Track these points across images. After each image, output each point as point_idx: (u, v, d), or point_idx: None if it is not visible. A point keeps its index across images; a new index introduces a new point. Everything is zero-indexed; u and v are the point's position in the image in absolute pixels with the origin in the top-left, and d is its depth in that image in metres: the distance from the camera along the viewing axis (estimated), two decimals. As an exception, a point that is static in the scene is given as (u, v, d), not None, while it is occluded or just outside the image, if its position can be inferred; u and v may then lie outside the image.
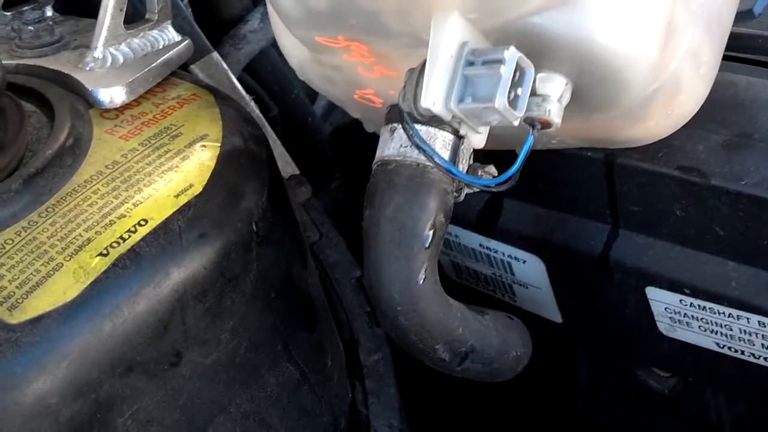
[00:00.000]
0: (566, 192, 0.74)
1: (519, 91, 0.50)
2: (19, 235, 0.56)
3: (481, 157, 0.57)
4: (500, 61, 0.49)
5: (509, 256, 0.82)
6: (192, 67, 0.82)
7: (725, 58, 0.70)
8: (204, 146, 0.64)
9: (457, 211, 0.59)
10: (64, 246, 0.55)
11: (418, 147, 0.53)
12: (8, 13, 0.79)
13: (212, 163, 0.63)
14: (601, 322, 0.80)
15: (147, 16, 0.74)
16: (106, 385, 0.54)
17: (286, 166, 0.83)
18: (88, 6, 0.75)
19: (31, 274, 0.54)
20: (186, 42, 0.73)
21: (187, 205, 0.59)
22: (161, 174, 0.61)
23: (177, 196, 0.60)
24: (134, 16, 0.74)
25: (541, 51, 0.52)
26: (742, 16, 0.77)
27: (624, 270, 0.73)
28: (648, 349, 0.78)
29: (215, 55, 0.85)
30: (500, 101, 0.49)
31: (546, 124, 0.54)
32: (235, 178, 0.63)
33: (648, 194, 0.68)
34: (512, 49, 0.49)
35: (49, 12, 0.78)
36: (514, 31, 0.51)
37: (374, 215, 0.57)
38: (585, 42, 0.51)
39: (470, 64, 0.50)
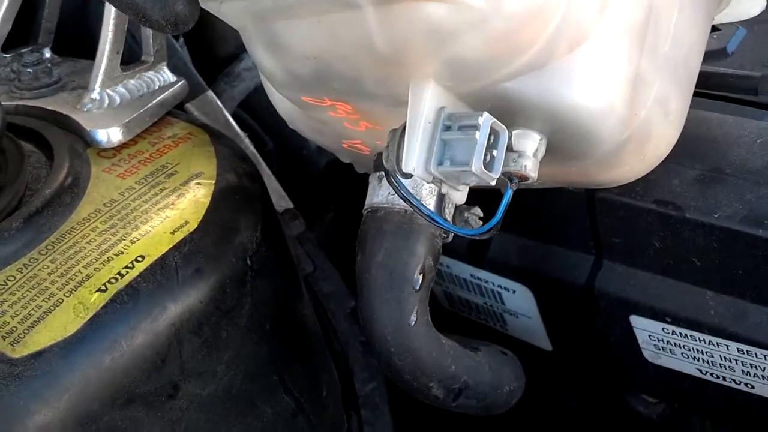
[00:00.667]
0: (551, 224, 0.76)
1: (494, 152, 0.52)
2: (20, 272, 0.58)
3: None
4: (475, 127, 0.50)
5: (499, 286, 0.83)
6: (188, 105, 0.84)
7: (699, 95, 0.73)
8: (199, 184, 0.66)
9: (449, 242, 0.61)
10: (64, 282, 0.57)
11: (404, 199, 0.55)
12: (8, 55, 0.81)
13: (207, 200, 0.65)
14: (590, 350, 0.82)
15: (143, 57, 0.76)
16: (106, 417, 0.56)
17: (281, 200, 0.85)
18: (86, 47, 0.77)
19: (33, 309, 0.56)
20: (181, 82, 0.75)
21: (183, 242, 0.61)
22: (157, 211, 0.63)
23: (173, 233, 0.61)
24: (131, 58, 0.76)
25: (515, 111, 0.53)
26: (716, 54, 0.79)
27: (608, 299, 0.74)
28: (635, 376, 0.80)
29: (210, 93, 0.87)
30: (476, 165, 0.51)
31: (523, 178, 0.55)
32: (230, 214, 0.65)
33: (628, 227, 0.70)
34: (486, 114, 0.51)
35: (47, 53, 0.81)
36: (489, 95, 0.52)
37: (366, 261, 0.59)
38: (555, 102, 0.53)
39: (447, 128, 0.52)
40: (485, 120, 0.51)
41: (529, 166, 0.55)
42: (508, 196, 0.56)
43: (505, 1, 0.47)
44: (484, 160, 0.51)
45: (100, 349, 0.55)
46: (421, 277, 0.58)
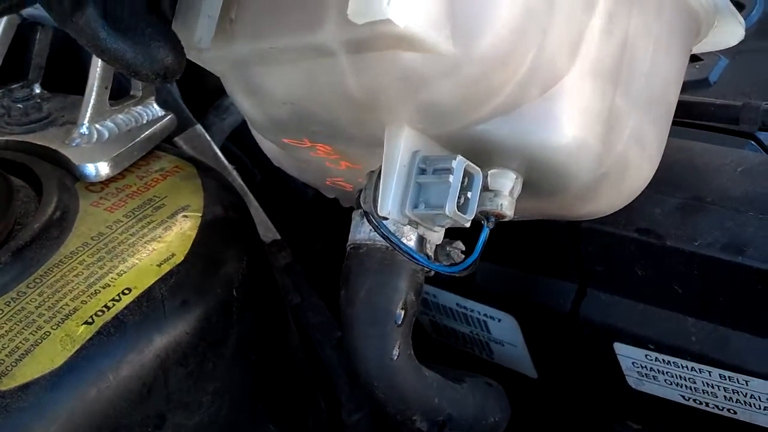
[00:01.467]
0: (535, 253, 0.77)
1: (469, 194, 0.53)
2: (8, 305, 0.58)
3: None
4: (449, 170, 0.51)
5: (485, 314, 0.84)
6: (176, 139, 0.84)
7: (681, 124, 0.74)
8: (186, 216, 0.67)
9: (432, 275, 0.62)
10: (52, 315, 0.58)
11: (384, 238, 0.56)
12: (-2, 91, 0.82)
13: (193, 233, 0.65)
14: (574, 377, 0.82)
15: (132, 92, 0.77)
16: (93, 449, 0.56)
17: (268, 232, 0.86)
18: (76, 83, 0.78)
19: (20, 342, 0.56)
20: (169, 117, 0.76)
21: (170, 274, 0.62)
22: (144, 244, 0.64)
23: (159, 265, 0.62)
24: (119, 92, 0.77)
25: (490, 151, 0.54)
26: (698, 84, 0.80)
27: (592, 327, 0.75)
28: (619, 403, 0.80)
29: (198, 127, 0.88)
30: (450, 208, 0.51)
31: (500, 217, 0.56)
32: (216, 247, 0.66)
33: (610, 255, 0.71)
34: (459, 158, 0.52)
35: (37, 89, 0.81)
36: (464, 136, 0.53)
37: (349, 297, 0.60)
38: (529, 143, 0.53)
39: (422, 171, 0.52)
40: (458, 163, 0.51)
41: (506, 205, 0.56)
42: (484, 235, 0.56)
43: (475, 48, 0.48)
44: (458, 202, 0.52)
45: (86, 382, 0.56)
46: (403, 313, 0.59)
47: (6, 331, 0.57)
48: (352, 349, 0.60)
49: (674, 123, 0.66)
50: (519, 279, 0.79)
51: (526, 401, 0.84)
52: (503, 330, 0.84)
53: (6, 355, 0.56)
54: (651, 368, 0.73)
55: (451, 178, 0.51)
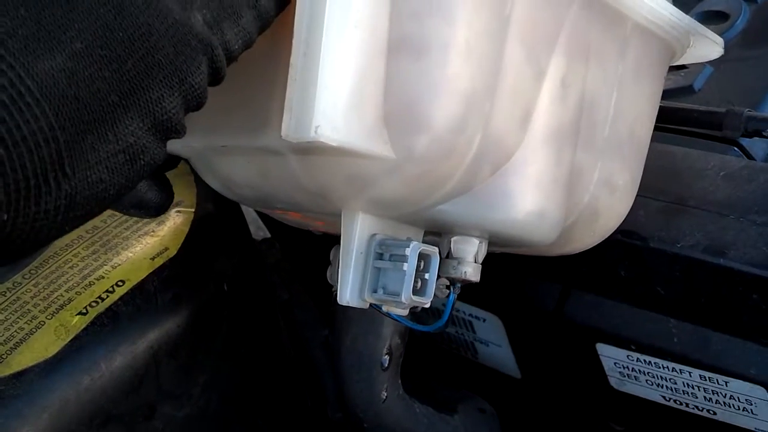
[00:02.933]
0: (521, 254, 0.78)
1: (426, 276, 0.52)
2: (3, 296, 0.59)
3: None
4: (404, 258, 0.50)
5: (470, 314, 0.85)
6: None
7: (666, 130, 0.75)
8: (179, 212, 0.67)
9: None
10: (46, 305, 0.59)
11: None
12: None
13: (186, 228, 0.66)
14: (557, 378, 0.84)
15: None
16: (85, 436, 0.57)
17: (258, 230, 0.87)
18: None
19: (15, 331, 0.57)
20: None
21: (162, 267, 0.63)
22: (138, 238, 0.65)
23: (153, 259, 0.63)
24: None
25: (451, 224, 0.53)
26: (683, 91, 0.81)
27: (575, 327, 0.76)
28: (601, 403, 0.81)
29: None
30: (406, 295, 0.50)
31: (465, 282, 0.56)
32: (208, 242, 0.67)
33: (595, 256, 0.71)
34: (413, 244, 0.51)
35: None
36: (423, 215, 0.52)
37: (335, 342, 0.61)
38: (486, 219, 0.52)
39: (380, 256, 0.52)
40: (412, 250, 0.50)
41: (470, 272, 0.55)
42: (451, 300, 0.56)
43: (415, 148, 0.46)
44: (415, 286, 0.51)
45: (79, 370, 0.57)
46: (388, 357, 0.59)
47: (1, 321, 0.58)
48: (341, 392, 0.61)
49: (659, 128, 0.67)
50: (504, 279, 0.80)
51: (509, 401, 0.85)
52: (488, 330, 0.84)
53: (1, 344, 0.56)
54: (633, 369, 0.74)
55: (405, 266, 0.50)
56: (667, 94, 0.82)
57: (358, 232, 0.51)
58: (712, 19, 0.89)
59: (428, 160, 0.47)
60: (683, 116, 0.75)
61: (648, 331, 0.72)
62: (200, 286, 0.64)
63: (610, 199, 0.59)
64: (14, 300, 0.59)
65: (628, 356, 0.73)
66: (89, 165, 0.37)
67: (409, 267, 0.50)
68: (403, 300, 0.50)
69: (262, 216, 0.89)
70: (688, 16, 0.61)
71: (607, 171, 0.58)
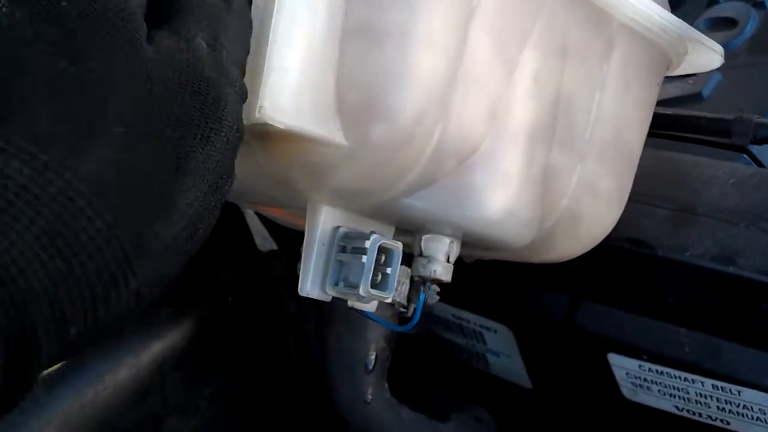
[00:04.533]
0: (530, 264, 0.78)
1: (388, 270, 0.51)
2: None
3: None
4: (364, 250, 0.50)
5: (481, 326, 0.85)
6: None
7: (674, 138, 0.74)
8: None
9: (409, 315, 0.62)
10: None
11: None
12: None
13: (190, 240, 0.66)
14: (569, 388, 0.83)
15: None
16: (89, 450, 0.57)
17: (265, 241, 0.86)
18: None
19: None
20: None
21: (167, 280, 0.63)
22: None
23: (156, 271, 0.63)
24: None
25: (420, 220, 0.53)
26: (692, 98, 0.81)
27: (586, 337, 0.75)
28: (614, 414, 0.81)
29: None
30: (364, 288, 0.50)
31: (436, 282, 0.55)
32: (211, 254, 0.67)
33: (603, 266, 0.71)
34: (373, 237, 0.50)
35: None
36: (389, 209, 0.52)
37: (322, 342, 0.60)
38: (453, 215, 0.52)
39: (342, 249, 0.51)
40: (372, 243, 0.50)
41: (440, 271, 0.55)
42: (421, 300, 0.55)
43: (371, 136, 0.46)
44: (376, 280, 0.50)
45: (83, 384, 0.57)
46: (373, 360, 0.59)
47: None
48: (327, 393, 0.61)
49: (667, 136, 0.67)
50: (514, 290, 0.80)
51: (521, 411, 0.84)
52: (498, 341, 0.84)
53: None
54: (645, 379, 0.74)
55: (364, 259, 0.50)
56: (675, 102, 0.82)
57: (321, 224, 0.51)
58: (720, 25, 0.89)
59: (385, 148, 0.46)
60: (692, 124, 0.75)
61: (659, 341, 0.71)
62: (203, 298, 0.64)
63: (592, 205, 0.58)
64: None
65: (639, 366, 0.73)
66: (154, 254, 0.35)
67: (368, 259, 0.49)
68: (362, 293, 0.50)
69: (268, 227, 0.89)
70: (682, 21, 0.60)
71: (589, 175, 0.57)
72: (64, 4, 0.34)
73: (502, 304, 0.82)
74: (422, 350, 0.93)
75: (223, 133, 0.38)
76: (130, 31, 0.36)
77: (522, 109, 0.52)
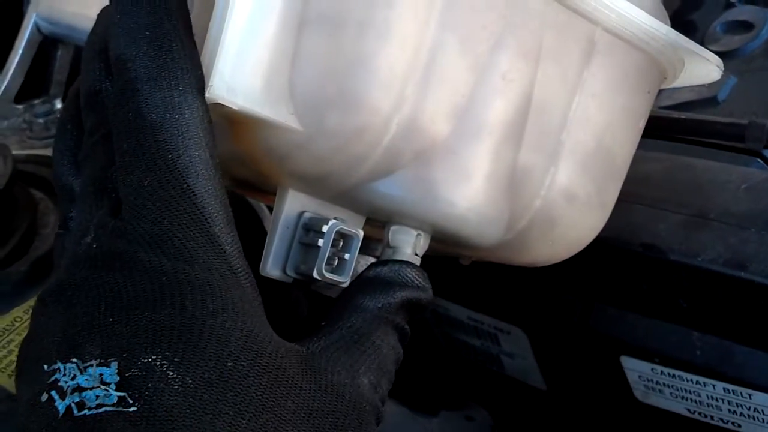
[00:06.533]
0: (544, 267, 0.78)
1: (346, 256, 0.52)
2: (26, 313, 0.60)
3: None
4: (322, 234, 0.51)
5: (495, 327, 0.85)
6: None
7: (687, 142, 0.75)
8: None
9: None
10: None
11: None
12: (20, 106, 0.83)
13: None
14: (582, 390, 0.84)
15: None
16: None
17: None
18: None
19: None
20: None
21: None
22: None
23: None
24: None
25: (386, 209, 0.53)
26: (707, 102, 0.81)
27: (599, 340, 0.76)
28: (626, 415, 0.81)
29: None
30: (318, 272, 0.51)
31: None
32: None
33: (617, 269, 0.72)
34: (332, 222, 0.51)
35: (58, 105, 0.83)
36: (354, 197, 0.52)
37: None
38: (416, 206, 0.52)
39: (306, 233, 0.52)
40: (330, 228, 0.51)
41: None
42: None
43: (324, 123, 0.47)
44: (333, 264, 0.52)
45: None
46: None
47: (7, 342, 0.59)
48: None
49: (681, 140, 0.67)
50: (528, 293, 0.81)
51: (535, 412, 0.85)
52: (513, 343, 0.85)
53: (8, 365, 0.57)
54: (657, 381, 0.74)
55: (320, 242, 0.51)
56: (690, 106, 0.82)
57: (286, 207, 0.52)
58: (736, 29, 0.88)
59: (340, 136, 0.47)
60: (705, 128, 0.75)
61: (671, 344, 0.71)
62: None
63: (568, 209, 0.58)
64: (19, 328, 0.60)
65: (652, 369, 0.73)
66: None
67: (324, 243, 0.51)
68: (315, 275, 0.51)
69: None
70: (673, 30, 0.59)
71: (566, 178, 0.57)
72: None
73: (517, 307, 0.83)
74: (439, 353, 0.94)
75: None
76: None
77: (487, 108, 0.52)
